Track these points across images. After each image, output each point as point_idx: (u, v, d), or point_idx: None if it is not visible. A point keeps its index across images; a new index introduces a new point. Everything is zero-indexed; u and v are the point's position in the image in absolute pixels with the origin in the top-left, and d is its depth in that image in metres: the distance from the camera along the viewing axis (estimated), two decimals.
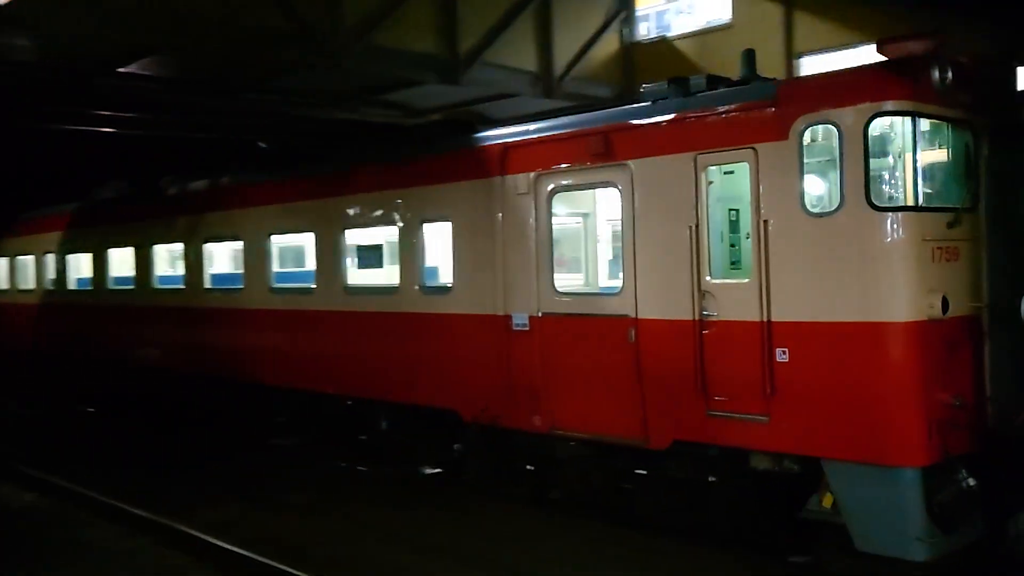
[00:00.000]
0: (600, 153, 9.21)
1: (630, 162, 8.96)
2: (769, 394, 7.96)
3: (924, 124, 7.35)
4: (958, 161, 7.77)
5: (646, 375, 8.90)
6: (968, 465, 7.70)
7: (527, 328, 9.96)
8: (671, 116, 8.69)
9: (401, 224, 11.47)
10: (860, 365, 7.47)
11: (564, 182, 9.69)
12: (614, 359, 9.16)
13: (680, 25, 19.52)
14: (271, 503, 11.32)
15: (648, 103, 9.03)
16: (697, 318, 8.47)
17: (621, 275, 9.18)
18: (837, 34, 16.85)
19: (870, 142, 7.31)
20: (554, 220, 9.87)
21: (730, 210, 8.87)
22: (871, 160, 7.33)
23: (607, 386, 9.25)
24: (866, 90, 7.37)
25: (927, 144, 7.57)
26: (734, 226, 8.92)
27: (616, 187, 9.15)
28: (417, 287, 11.28)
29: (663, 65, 18.14)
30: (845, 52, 16.27)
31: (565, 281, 10.17)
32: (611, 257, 10.40)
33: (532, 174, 9.86)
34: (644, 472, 9.29)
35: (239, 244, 14.42)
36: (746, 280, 8.17)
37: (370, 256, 12.23)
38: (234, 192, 14.70)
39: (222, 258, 15.59)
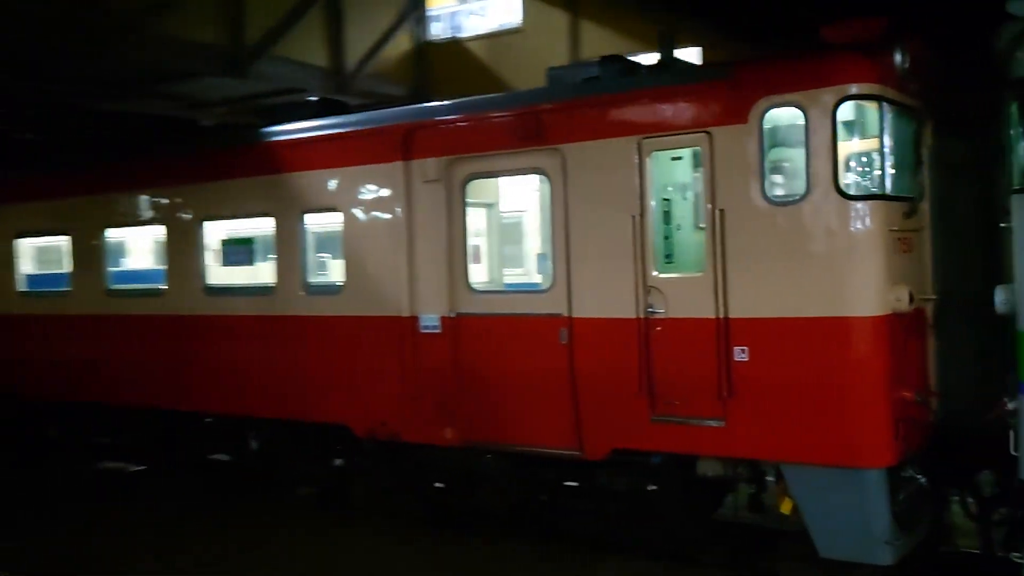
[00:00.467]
0: (527, 136, 8.34)
1: (562, 146, 8.16)
2: (726, 396, 7.42)
3: (888, 109, 7.03)
4: (911, 150, 7.55)
5: (581, 379, 8.14)
6: (916, 462, 7.50)
7: (438, 331, 8.94)
8: (612, 96, 7.96)
9: (277, 215, 10.09)
10: (827, 363, 7.06)
11: (482, 168, 8.75)
12: (543, 362, 8.34)
13: (472, 26, 19.84)
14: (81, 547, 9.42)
15: (583, 81, 8.27)
16: (642, 316, 7.81)
17: (551, 270, 8.36)
18: (621, 42, 17.65)
19: (839, 126, 6.91)
20: (470, 211, 8.90)
21: (663, 199, 8.29)
22: (839, 145, 6.93)
23: (534, 393, 8.41)
24: (835, 72, 6.96)
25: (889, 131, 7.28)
26: (667, 217, 8.35)
27: (546, 174, 8.32)
28: (299, 287, 9.94)
29: (456, 66, 18.88)
30: (631, 59, 17.34)
31: (483, 278, 9.23)
32: (540, 251, 9.56)
33: (444, 159, 8.84)
34: (575, 484, 8.55)
35: (65, 240, 12.38)
36: (699, 274, 7.58)
37: (238, 252, 10.71)
38: (61, 179, 12.65)
39: (46, 256, 13.38)
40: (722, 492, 8.84)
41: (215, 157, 10.92)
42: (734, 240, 7.34)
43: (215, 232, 10.91)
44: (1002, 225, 7.05)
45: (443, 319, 8.90)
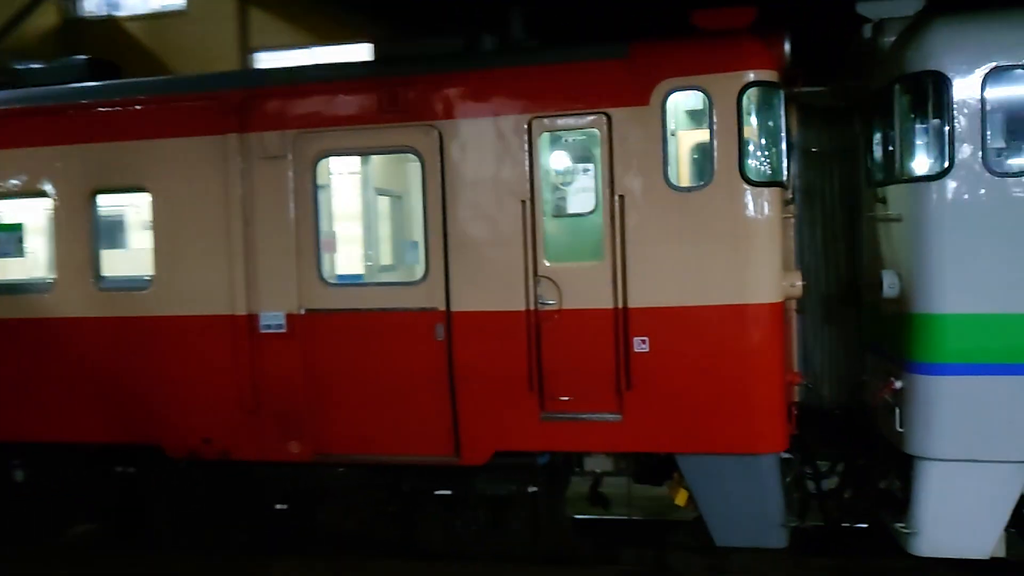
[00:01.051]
0: (396, 110, 7.47)
1: (439, 123, 7.40)
2: (624, 389, 7.13)
3: (782, 97, 7.11)
4: (788, 138, 7.73)
5: (460, 379, 7.45)
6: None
7: (283, 330, 7.78)
8: (497, 70, 7.34)
9: (56, 195, 8.25)
10: (727, 351, 7.01)
11: (338, 145, 7.71)
12: (415, 363, 7.54)
13: (132, 5, 19.42)
14: None
15: (465, 53, 7.56)
16: (532, 308, 7.29)
17: (424, 261, 7.56)
18: (290, 33, 18.16)
19: (743, 112, 6.87)
20: (322, 193, 7.81)
21: (557, 185, 7.85)
22: (744, 131, 6.89)
23: (403, 397, 7.59)
24: (740, 57, 6.91)
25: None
26: (560, 203, 7.93)
27: (417, 153, 7.50)
28: (90, 282, 8.20)
29: (111, 45, 18.11)
30: (300, 51, 17.90)
31: (340, 270, 8.19)
32: (411, 239, 8.62)
33: (290, 132, 7.68)
34: (446, 493, 7.85)
35: None
36: (597, 263, 7.22)
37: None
38: None
39: None
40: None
41: None
42: (634, 227, 7.06)
43: None
44: (869, 215, 7.45)
45: (290, 317, 7.75)
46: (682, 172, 7.32)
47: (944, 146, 6.56)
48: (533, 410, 7.34)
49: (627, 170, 7.05)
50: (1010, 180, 6.47)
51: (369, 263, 8.88)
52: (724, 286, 6.96)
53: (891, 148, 6.98)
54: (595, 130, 7.14)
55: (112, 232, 8.60)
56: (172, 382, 8.03)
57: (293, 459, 7.89)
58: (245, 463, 8.04)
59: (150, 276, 8.09)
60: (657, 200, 7.02)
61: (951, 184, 6.57)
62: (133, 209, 8.37)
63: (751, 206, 6.90)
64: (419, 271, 7.64)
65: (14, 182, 8.35)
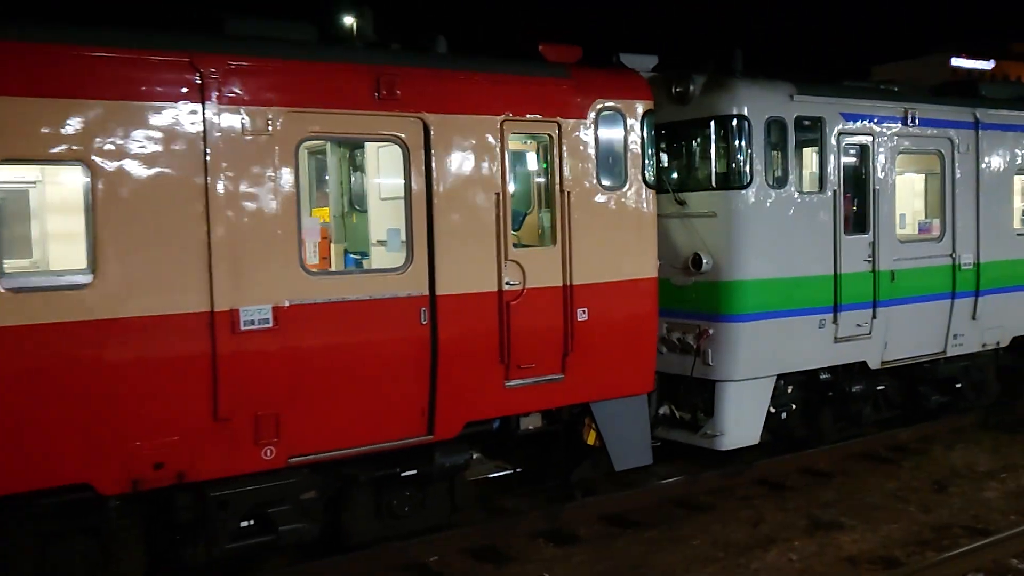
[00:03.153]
0: (385, 99, 7.53)
1: (427, 115, 7.73)
2: (568, 353, 8.61)
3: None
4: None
5: (443, 358, 7.94)
6: None
7: (269, 325, 7.10)
8: (482, 74, 8.02)
9: None
10: (631, 316, 9.05)
11: (325, 129, 7.34)
12: (399, 348, 7.74)
13: None
14: None
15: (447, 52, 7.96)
16: (501, 288, 8.23)
17: (407, 249, 7.76)
18: None
19: (645, 130, 8.96)
20: (303, 177, 7.30)
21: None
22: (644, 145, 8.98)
23: (381, 383, 7.71)
24: (643, 89, 8.97)
25: None
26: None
27: (404, 143, 7.68)
28: None
29: None
30: None
31: (330, 263, 7.61)
32: (393, 227, 8.05)
33: (270, 111, 7.03)
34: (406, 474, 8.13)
35: None
36: (551, 248, 8.49)
37: None
38: None
39: None
40: None
41: None
42: (577, 218, 8.58)
43: None
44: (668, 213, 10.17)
45: (275, 310, 7.13)
46: (607, 175, 8.95)
47: (747, 165, 9.73)
48: (499, 380, 8.26)
49: (571, 171, 8.52)
50: (781, 192, 9.95)
51: (353, 253, 8.41)
52: (631, 265, 8.97)
53: (699, 164, 9.87)
54: (549, 134, 8.41)
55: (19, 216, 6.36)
56: (113, 401, 6.54)
57: (265, 468, 7.22)
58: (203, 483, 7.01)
59: (87, 269, 6.41)
60: (591, 197, 8.67)
61: (751, 192, 9.79)
62: (63, 190, 6.33)
63: (648, 204, 9.05)
64: (403, 259, 7.78)
65: None
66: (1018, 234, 12.55)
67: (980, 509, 9.53)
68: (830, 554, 8.39)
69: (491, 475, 10.28)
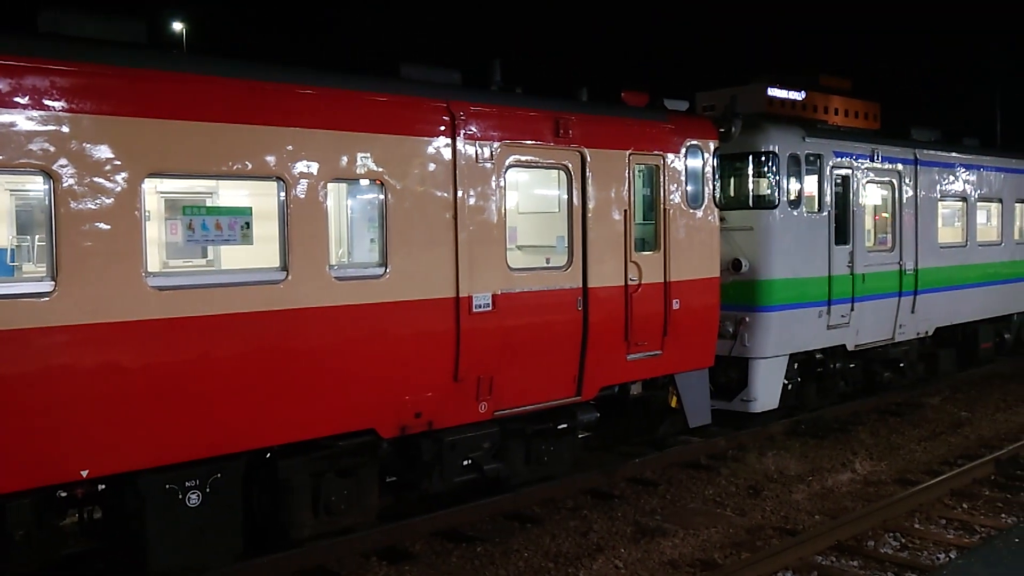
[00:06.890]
0: (561, 137, 9.85)
1: (585, 148, 10.09)
2: (665, 334, 11.14)
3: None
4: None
5: (591, 335, 10.28)
6: None
7: (489, 308, 9.27)
8: (612, 117, 10.47)
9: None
10: (703, 306, 11.68)
11: (523, 157, 9.60)
12: (563, 327, 10.04)
13: None
14: None
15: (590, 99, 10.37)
16: (627, 283, 10.66)
17: (568, 252, 10.07)
18: None
19: (714, 162, 11.64)
20: (511, 196, 9.52)
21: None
22: (715, 174, 11.67)
23: (552, 354, 9.98)
24: (713, 130, 11.65)
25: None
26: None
27: (567, 170, 10.01)
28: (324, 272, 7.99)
29: None
30: None
31: (520, 262, 9.82)
32: (559, 235, 10.17)
33: (494, 144, 9.22)
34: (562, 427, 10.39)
35: None
36: (656, 252, 11.00)
37: None
38: None
39: None
40: None
41: None
42: (673, 229, 11.14)
43: None
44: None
45: (493, 297, 9.29)
46: (691, 196, 11.49)
47: (776, 190, 12.62)
48: (623, 353, 10.68)
49: (669, 192, 11.08)
50: (796, 212, 12.88)
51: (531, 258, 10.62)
52: (705, 266, 11.60)
53: (740, 188, 12.67)
54: (657, 164, 10.94)
55: None
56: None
57: (479, 419, 9.34)
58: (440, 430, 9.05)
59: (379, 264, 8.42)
60: (682, 213, 11.25)
61: (778, 212, 12.67)
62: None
63: (716, 219, 11.73)
64: (564, 261, 10.08)
65: None
66: (941, 247, 16.10)
67: (790, 511, 10.11)
68: (654, 559, 8.68)
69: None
